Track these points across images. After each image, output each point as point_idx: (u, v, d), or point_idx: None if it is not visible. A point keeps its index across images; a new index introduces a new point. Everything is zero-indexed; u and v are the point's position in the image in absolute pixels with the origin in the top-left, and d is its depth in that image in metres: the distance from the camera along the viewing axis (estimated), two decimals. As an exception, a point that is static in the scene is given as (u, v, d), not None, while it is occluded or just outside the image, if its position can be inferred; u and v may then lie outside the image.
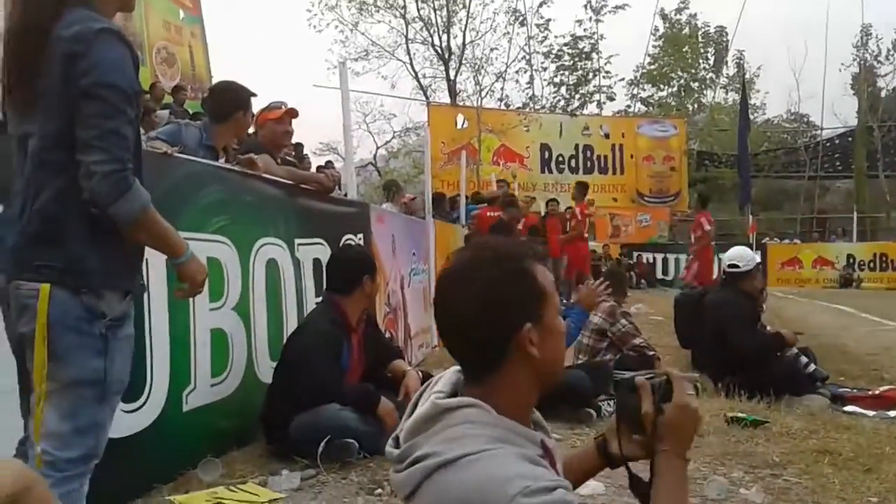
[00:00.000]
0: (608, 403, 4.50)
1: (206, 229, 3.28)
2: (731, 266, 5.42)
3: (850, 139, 25.90)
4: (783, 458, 3.66)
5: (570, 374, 4.52)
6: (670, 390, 1.38)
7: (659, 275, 19.11)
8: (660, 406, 1.37)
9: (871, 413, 4.71)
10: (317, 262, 4.20)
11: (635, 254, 19.12)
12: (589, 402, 4.39)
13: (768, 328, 5.61)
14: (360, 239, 4.89)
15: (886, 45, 26.52)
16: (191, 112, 9.26)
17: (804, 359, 5.20)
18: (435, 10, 24.78)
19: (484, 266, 1.29)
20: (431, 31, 24.97)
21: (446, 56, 24.85)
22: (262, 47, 49.35)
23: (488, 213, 9.68)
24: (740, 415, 4.31)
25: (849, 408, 4.84)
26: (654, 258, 19.52)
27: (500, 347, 1.27)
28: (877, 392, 5.07)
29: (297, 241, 4.07)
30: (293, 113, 4.46)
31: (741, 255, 5.45)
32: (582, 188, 12.10)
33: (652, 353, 5.34)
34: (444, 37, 24.87)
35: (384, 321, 5.24)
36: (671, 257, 19.62)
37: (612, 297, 5.25)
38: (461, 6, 24.70)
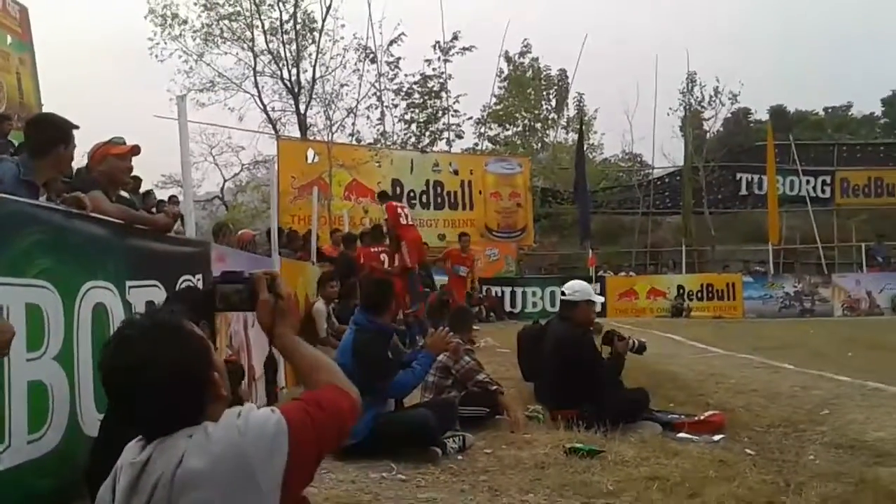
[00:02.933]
0: (454, 440, 4.55)
1: (25, 273, 3.04)
2: (562, 294, 5.70)
3: (678, 178, 27.84)
4: (617, 486, 3.84)
5: (415, 413, 4.55)
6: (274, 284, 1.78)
7: (507, 307, 19.62)
8: (278, 294, 1.77)
9: (697, 438, 5.02)
10: (150, 305, 4.00)
11: (485, 287, 19.56)
12: (434, 440, 4.42)
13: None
14: (198, 280, 4.70)
15: (709, 91, 28.79)
16: (16, 143, 8.62)
17: (634, 342, 5.53)
18: (284, 45, 24.55)
19: (167, 335, 1.52)
20: (280, 65, 24.66)
21: (296, 90, 24.61)
22: (101, 76, 46.90)
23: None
24: (578, 445, 4.48)
25: (680, 434, 5.13)
26: (503, 291, 20.03)
27: (202, 398, 1.53)
28: (702, 417, 5.42)
29: (129, 283, 3.84)
30: (137, 150, 4.29)
31: (570, 286, 5.71)
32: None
33: (495, 387, 5.47)
34: (294, 71, 24.65)
35: (226, 364, 5.05)
36: (518, 290, 20.23)
37: (458, 335, 5.35)
38: (310, 41, 24.64)
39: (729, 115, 32.04)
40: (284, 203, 18.16)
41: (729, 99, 28.07)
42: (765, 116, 36.81)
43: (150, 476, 1.45)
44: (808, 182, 26.45)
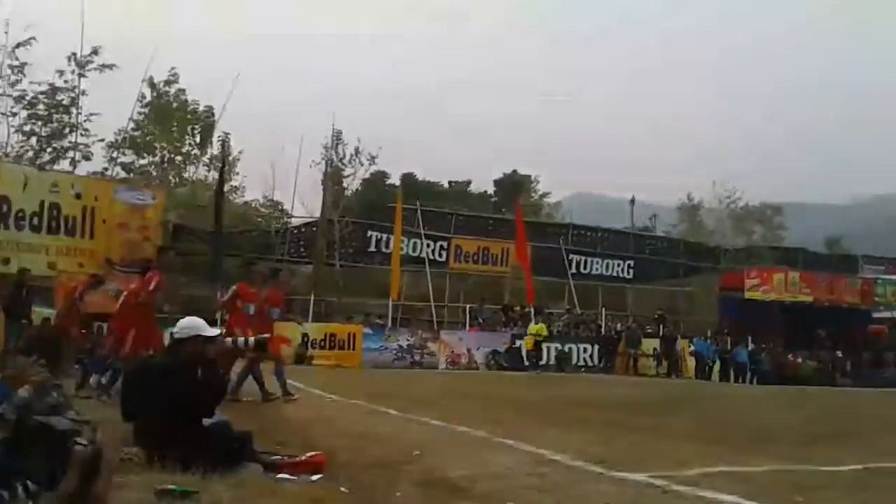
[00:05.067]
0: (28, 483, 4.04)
1: None
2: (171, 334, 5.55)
3: (314, 229, 28.70)
4: (203, 525, 3.73)
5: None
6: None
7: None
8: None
9: (295, 478, 5.09)
10: None
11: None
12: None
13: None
14: None
15: (350, 150, 30.31)
16: None
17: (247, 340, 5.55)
18: None
19: None
20: None
21: None
22: None
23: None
24: (170, 487, 4.27)
25: (281, 475, 5.16)
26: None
27: None
28: (303, 458, 5.52)
29: None
30: None
31: (179, 324, 5.58)
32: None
33: (87, 424, 5.02)
34: None
35: None
36: (135, 329, 18.94)
37: (48, 369, 4.84)
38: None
39: (368, 175, 34.00)
40: None
41: (367, 160, 29.81)
42: (398, 182, 39.74)
43: None
44: (428, 245, 29.01)
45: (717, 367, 27.70)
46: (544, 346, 24.49)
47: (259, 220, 32.25)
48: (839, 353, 31.78)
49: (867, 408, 15.10)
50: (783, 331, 31.64)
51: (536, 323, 24.64)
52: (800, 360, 30.13)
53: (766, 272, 31.77)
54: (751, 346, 29.18)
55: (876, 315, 35.76)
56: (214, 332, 5.74)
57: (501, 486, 5.16)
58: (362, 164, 30.07)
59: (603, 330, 27.98)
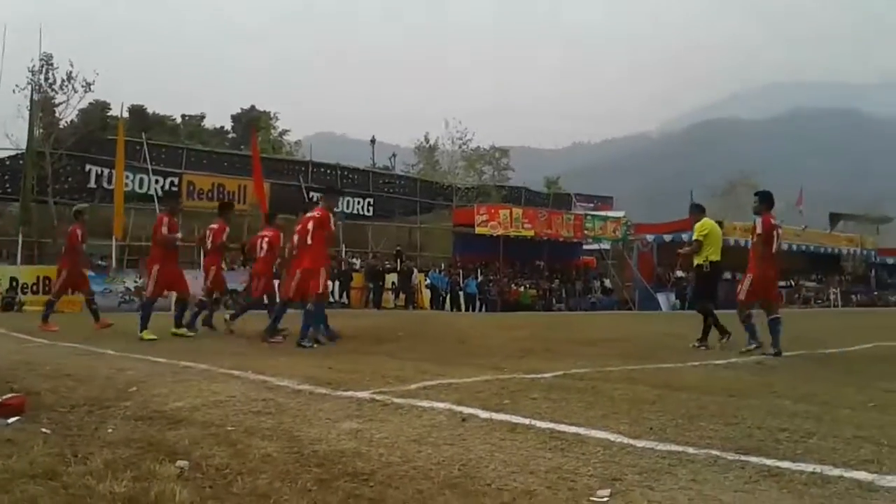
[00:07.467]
0: None
1: None
2: None
3: (21, 162, 25.64)
4: None
5: None
6: None
7: None
8: None
9: (-13, 422, 4.62)
10: None
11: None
12: None
13: None
14: None
15: (62, 75, 27.18)
16: None
17: None
18: None
19: None
20: None
21: None
22: None
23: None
24: None
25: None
26: None
27: None
28: (-1, 401, 5.03)
29: None
30: None
31: None
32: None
33: None
34: None
35: None
36: None
37: None
38: None
39: (87, 105, 31.01)
40: None
41: (83, 87, 27.01)
42: (125, 114, 36.66)
43: None
44: (157, 181, 27.27)
45: (449, 297, 29.46)
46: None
47: (-46, 153, 28.15)
48: (556, 282, 35.23)
49: (574, 327, 16.88)
50: (508, 262, 34.33)
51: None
52: (522, 288, 32.96)
53: (494, 209, 34.00)
54: (480, 278, 31.30)
55: (586, 247, 40.03)
56: None
57: (223, 412, 5.08)
58: (76, 91, 27.09)
59: (343, 266, 28.39)
